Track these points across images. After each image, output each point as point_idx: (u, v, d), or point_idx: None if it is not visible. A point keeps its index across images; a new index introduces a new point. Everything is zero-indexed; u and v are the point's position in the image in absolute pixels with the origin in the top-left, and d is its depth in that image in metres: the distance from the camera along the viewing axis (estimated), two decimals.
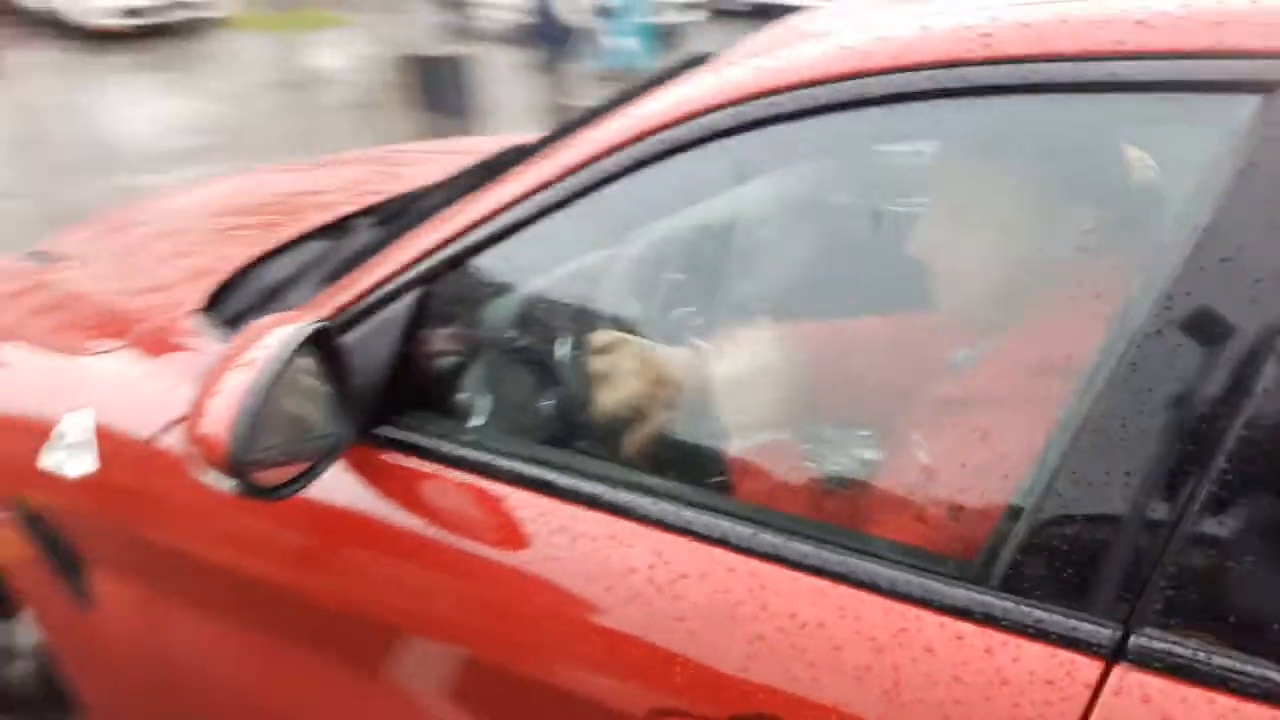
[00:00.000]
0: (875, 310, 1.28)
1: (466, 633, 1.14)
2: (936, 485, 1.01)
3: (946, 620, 0.87)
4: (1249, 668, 0.76)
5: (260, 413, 1.06)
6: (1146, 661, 0.79)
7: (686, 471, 1.16)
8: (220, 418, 1.06)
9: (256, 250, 1.75)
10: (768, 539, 0.97)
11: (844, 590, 0.92)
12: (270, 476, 1.12)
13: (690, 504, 1.03)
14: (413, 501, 1.17)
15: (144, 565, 1.44)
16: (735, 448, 1.15)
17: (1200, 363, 0.79)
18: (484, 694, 1.16)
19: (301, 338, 1.11)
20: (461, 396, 1.25)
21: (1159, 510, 0.80)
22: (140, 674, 1.50)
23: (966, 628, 0.86)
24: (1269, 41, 0.81)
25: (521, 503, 1.11)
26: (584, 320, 1.28)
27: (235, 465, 1.06)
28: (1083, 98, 0.91)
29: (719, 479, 1.13)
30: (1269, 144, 0.79)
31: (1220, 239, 0.79)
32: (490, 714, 1.15)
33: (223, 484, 1.09)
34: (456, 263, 1.20)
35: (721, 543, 0.98)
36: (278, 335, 1.11)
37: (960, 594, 0.87)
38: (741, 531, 0.98)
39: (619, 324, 1.29)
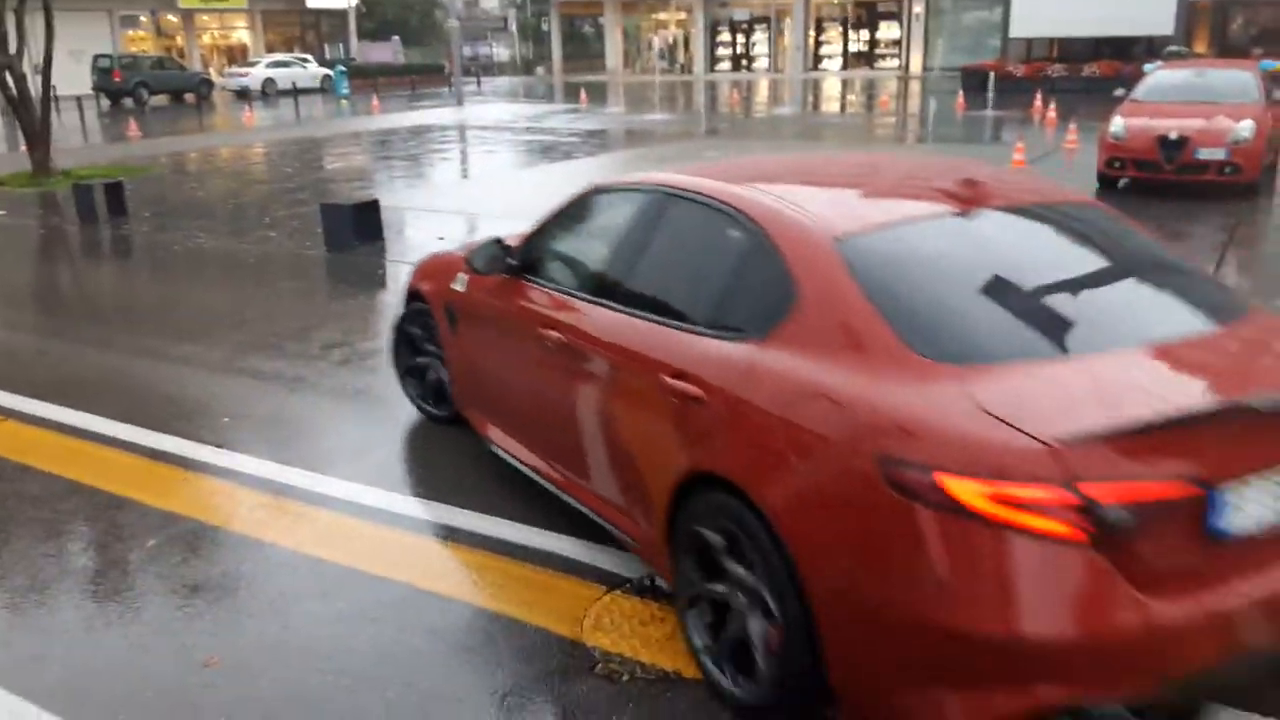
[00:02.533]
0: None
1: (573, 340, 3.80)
2: None
3: None
4: None
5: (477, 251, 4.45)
6: None
7: None
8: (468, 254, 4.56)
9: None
10: None
11: None
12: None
13: None
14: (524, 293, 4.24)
15: (470, 315, 4.68)
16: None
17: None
18: (584, 371, 3.73)
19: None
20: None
21: None
22: (469, 356, 4.75)
23: None
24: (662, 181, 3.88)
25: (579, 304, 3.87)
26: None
27: (471, 268, 4.43)
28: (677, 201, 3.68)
29: None
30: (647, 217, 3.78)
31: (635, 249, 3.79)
32: (586, 379, 3.72)
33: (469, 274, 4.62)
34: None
35: None
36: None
37: None
38: None
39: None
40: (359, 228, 10.41)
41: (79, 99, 30.93)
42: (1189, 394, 2.60)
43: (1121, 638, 2.26)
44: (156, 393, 6.27)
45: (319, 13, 53.89)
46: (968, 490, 2.28)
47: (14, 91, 15.94)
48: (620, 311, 3.59)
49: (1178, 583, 2.32)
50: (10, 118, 21.21)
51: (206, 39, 50.91)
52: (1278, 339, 2.95)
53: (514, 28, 66.25)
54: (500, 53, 64.04)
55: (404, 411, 5.57)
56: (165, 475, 4.98)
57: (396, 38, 58.04)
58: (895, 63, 44.47)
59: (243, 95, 39.21)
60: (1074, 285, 2.98)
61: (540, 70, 56.00)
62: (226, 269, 10.25)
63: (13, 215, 13.60)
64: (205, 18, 50.45)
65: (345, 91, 39.62)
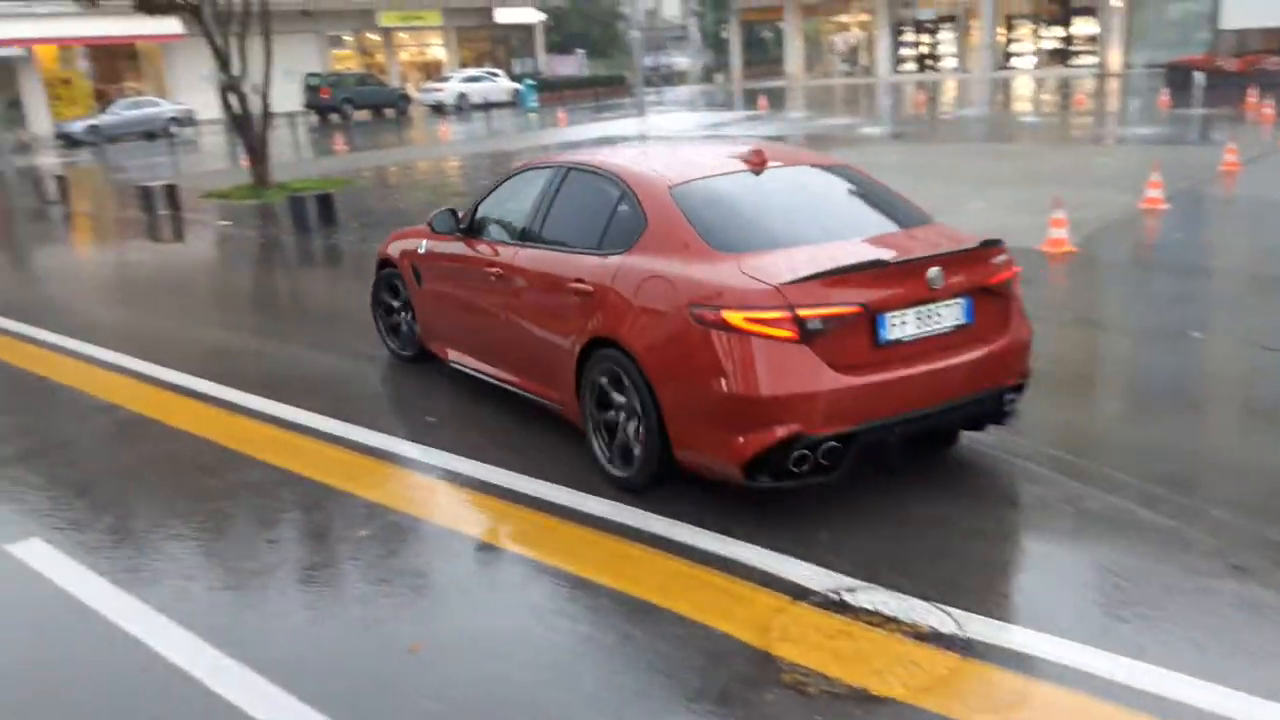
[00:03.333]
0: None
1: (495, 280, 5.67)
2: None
3: None
4: None
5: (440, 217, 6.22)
6: None
7: None
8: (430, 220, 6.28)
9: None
10: None
11: None
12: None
13: None
14: (472, 246, 5.97)
15: (431, 269, 6.41)
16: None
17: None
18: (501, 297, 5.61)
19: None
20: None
21: None
22: (431, 300, 6.48)
23: None
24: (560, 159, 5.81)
25: (511, 248, 5.65)
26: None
27: (435, 232, 6.28)
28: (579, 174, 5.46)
29: None
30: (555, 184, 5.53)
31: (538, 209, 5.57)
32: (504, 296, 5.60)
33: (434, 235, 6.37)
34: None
35: None
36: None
37: None
38: None
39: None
40: None
41: (291, 115, 33.17)
42: (860, 258, 4.21)
43: (823, 396, 4.00)
44: (365, 392, 6.67)
45: (508, 28, 55.80)
46: (735, 317, 4.03)
47: (238, 111, 17.24)
48: (539, 248, 5.39)
49: (859, 367, 4.08)
50: (233, 135, 22.98)
51: (404, 55, 53.61)
52: (934, 236, 4.66)
53: (694, 36, 66.71)
54: (680, 62, 64.63)
55: None
56: (373, 469, 5.29)
57: (581, 51, 59.43)
58: (1092, 60, 42.26)
59: (438, 109, 41.10)
60: (815, 207, 4.95)
61: (720, 78, 56.20)
62: None
63: (236, 225, 14.73)
64: (403, 35, 53.14)
65: (534, 104, 40.90)
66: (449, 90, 42.31)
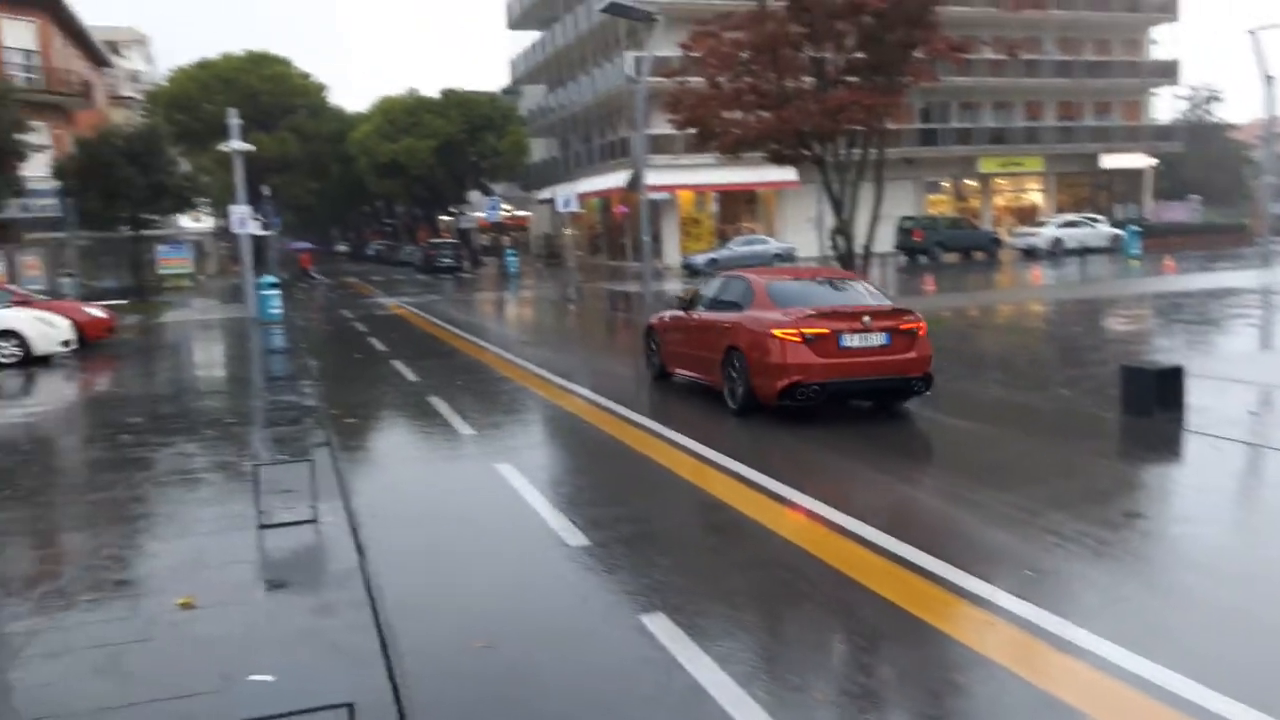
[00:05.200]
0: None
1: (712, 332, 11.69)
2: None
3: None
4: None
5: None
6: None
7: None
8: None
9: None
10: None
11: None
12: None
13: None
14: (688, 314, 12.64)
15: (668, 327, 12.98)
16: None
17: None
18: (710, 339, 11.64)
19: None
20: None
21: None
22: (667, 343, 12.93)
23: None
24: None
25: (702, 313, 12.26)
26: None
27: (675, 308, 13.74)
28: None
29: None
30: None
31: None
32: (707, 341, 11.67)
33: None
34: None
35: None
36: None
37: None
38: None
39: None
40: (1160, 393, 9.84)
41: (883, 256, 34.63)
42: (833, 306, 10.38)
43: (810, 366, 9.82)
44: (960, 532, 6.55)
45: (1113, 173, 53.26)
46: (777, 331, 9.95)
47: (842, 250, 18.44)
48: (712, 312, 11.54)
49: (828, 357, 9.86)
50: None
51: (999, 200, 53.53)
52: (877, 305, 10.57)
53: None
54: None
55: (1233, 598, 5.00)
56: (970, 614, 5.13)
57: (1195, 197, 54.64)
58: None
59: (1029, 254, 40.22)
60: (830, 293, 11.05)
61: None
62: (1022, 422, 10.42)
63: None
64: (1001, 181, 53.18)
65: (1136, 252, 38.24)
66: (1043, 235, 41.27)
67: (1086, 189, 54.26)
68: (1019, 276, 31.65)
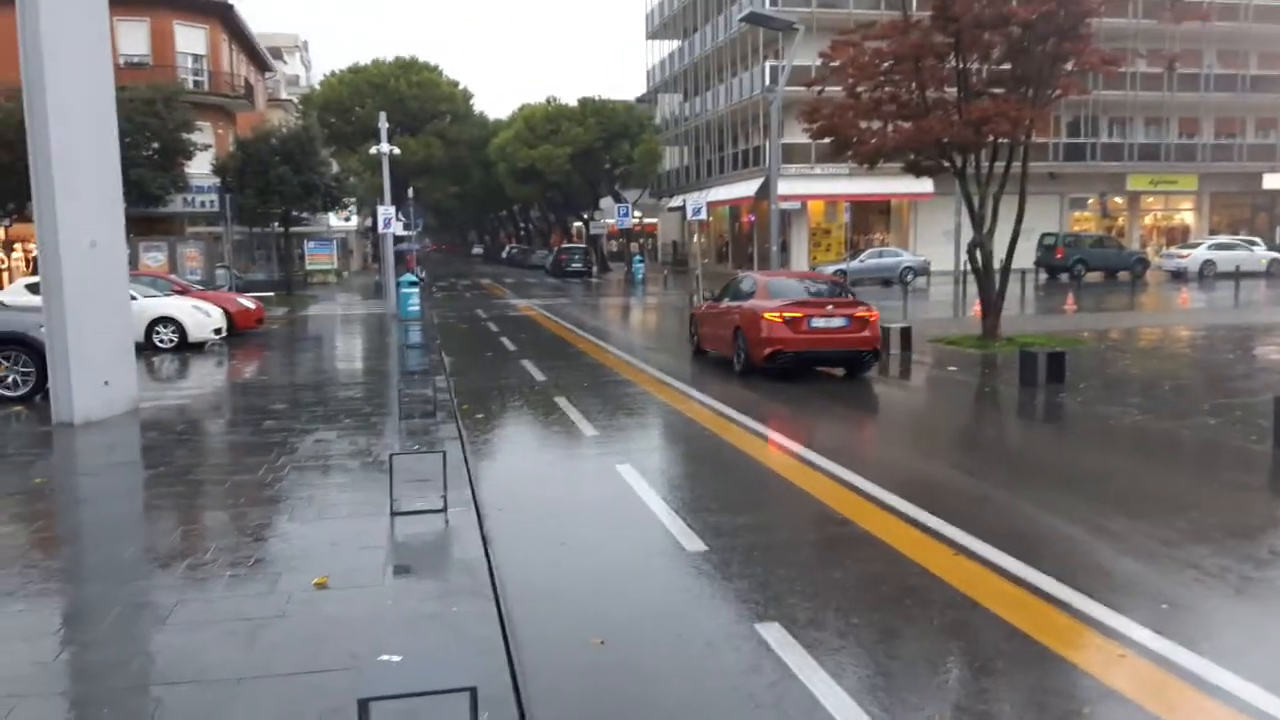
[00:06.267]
0: None
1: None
2: None
3: None
4: None
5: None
6: None
7: None
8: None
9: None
10: None
11: None
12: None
13: None
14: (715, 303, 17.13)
15: (703, 314, 17.48)
16: None
17: None
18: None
19: None
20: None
21: None
22: (702, 326, 17.35)
23: None
24: None
25: (727, 303, 16.53)
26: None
27: (705, 300, 19.31)
28: None
29: None
30: None
31: None
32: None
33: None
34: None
35: None
36: None
37: None
38: None
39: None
40: None
41: (1021, 272, 33.50)
42: (808, 297, 14.73)
43: (787, 340, 14.02)
44: (1092, 560, 6.30)
45: (1276, 194, 50.26)
46: (766, 314, 14.15)
47: (980, 265, 17.93)
48: (732, 304, 15.54)
49: (800, 333, 14.04)
50: (960, 286, 23.89)
51: (1148, 219, 51.17)
52: (849, 304, 14.40)
53: None
54: None
55: None
56: (1099, 645, 4.94)
57: None
58: None
59: (1178, 276, 38.33)
60: (812, 289, 15.60)
61: None
62: (1163, 450, 9.95)
63: (962, 372, 15.20)
64: (1151, 199, 50.85)
65: None
66: (1194, 257, 39.25)
67: (1245, 210, 51.36)
68: (1165, 299, 30.17)
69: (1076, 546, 6.57)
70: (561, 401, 12.38)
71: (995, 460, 9.97)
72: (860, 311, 14.02)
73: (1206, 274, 38.13)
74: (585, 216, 59.88)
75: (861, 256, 40.29)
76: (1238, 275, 32.42)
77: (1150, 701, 4.31)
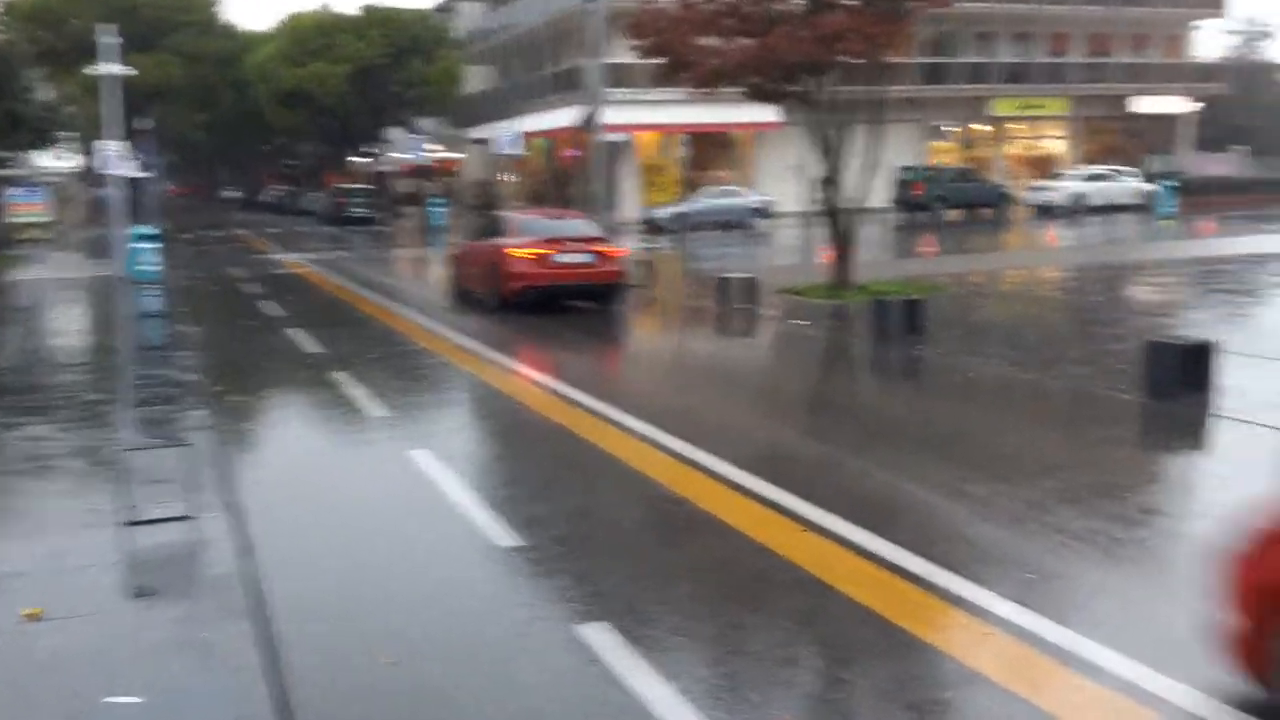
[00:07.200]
0: None
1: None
2: None
3: None
4: None
5: None
6: None
7: None
8: None
9: None
10: None
11: None
12: None
13: None
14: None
15: (463, 257, 21.32)
16: None
17: None
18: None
19: None
20: None
21: None
22: (462, 265, 20.51)
23: None
24: None
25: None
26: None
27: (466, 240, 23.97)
28: None
29: None
30: None
31: None
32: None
33: None
34: None
35: None
36: None
37: None
38: None
39: None
40: (1185, 373, 10.03)
41: (878, 212, 34.86)
42: (556, 234, 18.03)
43: (535, 274, 17.32)
44: (952, 528, 6.67)
45: (1146, 118, 53.79)
46: (512, 250, 17.59)
47: (831, 204, 18.53)
48: (488, 241, 18.94)
49: (547, 268, 17.39)
50: (809, 230, 24.69)
51: (1014, 149, 53.95)
52: (593, 240, 18.31)
53: None
54: None
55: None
56: (962, 624, 5.23)
57: (1242, 147, 55.47)
58: None
59: (1046, 211, 40.69)
60: (560, 226, 18.98)
61: None
62: (1026, 404, 10.60)
63: (811, 326, 15.74)
64: (1017, 126, 53.55)
65: (1169, 210, 38.81)
66: (1063, 190, 41.73)
67: (1115, 137, 54.86)
68: (1032, 237, 32.08)
69: (935, 514, 6.94)
70: (341, 377, 12.10)
71: (846, 423, 10.39)
72: (605, 249, 18.04)
73: (1077, 208, 40.58)
74: (369, 151, 58.45)
75: (702, 196, 40.80)
76: (1109, 209, 34.73)
77: (1015, 682, 4.60)
